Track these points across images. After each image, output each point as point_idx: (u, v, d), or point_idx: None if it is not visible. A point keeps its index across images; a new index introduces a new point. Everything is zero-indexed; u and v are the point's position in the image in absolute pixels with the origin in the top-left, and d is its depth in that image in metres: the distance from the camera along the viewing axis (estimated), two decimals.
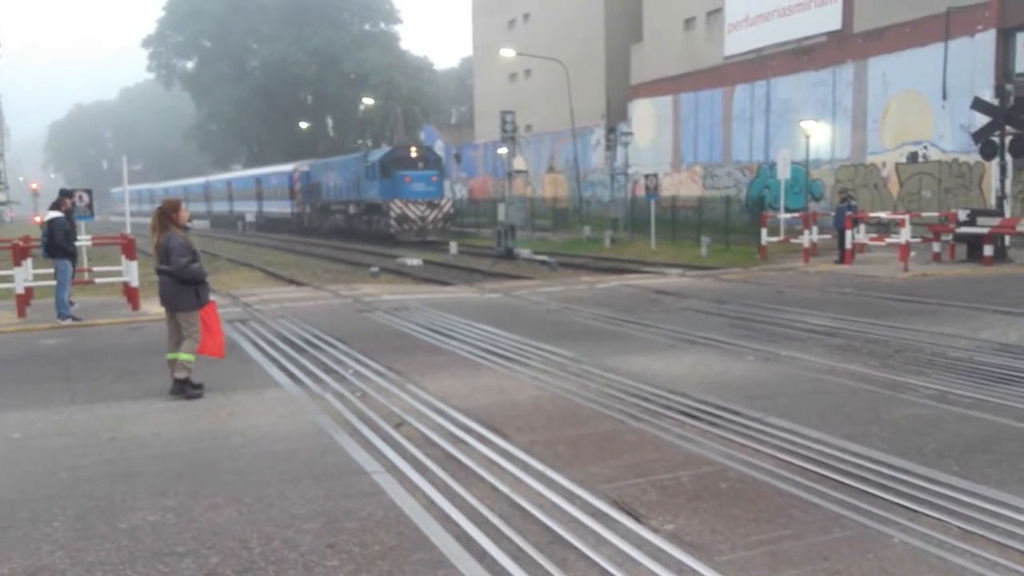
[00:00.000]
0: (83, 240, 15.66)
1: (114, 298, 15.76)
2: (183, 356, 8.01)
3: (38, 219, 20.28)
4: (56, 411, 7.63)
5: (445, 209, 38.60)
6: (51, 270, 13.42)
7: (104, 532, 4.78)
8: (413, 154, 38.93)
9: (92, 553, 4.51)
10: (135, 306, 14.11)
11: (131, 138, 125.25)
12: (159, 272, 8.09)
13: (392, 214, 36.78)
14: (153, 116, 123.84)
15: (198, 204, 69.68)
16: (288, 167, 53.14)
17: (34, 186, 51.98)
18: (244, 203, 60.51)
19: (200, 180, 75.06)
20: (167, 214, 8.09)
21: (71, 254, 13.40)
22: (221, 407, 7.57)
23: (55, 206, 13.68)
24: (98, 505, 5.21)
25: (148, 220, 8.47)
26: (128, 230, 16.35)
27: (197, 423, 7.09)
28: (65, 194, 14.51)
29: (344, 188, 43.03)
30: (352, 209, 41.80)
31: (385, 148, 44.52)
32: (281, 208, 53.34)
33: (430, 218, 37.31)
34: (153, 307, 12.50)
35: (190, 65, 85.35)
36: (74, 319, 13.04)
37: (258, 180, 57.74)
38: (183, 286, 7.99)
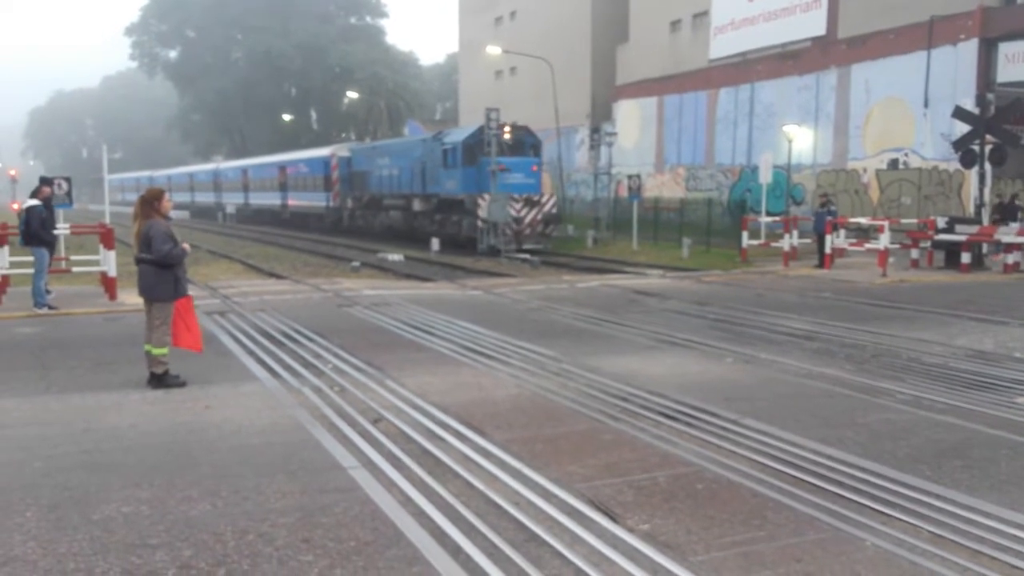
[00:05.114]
0: (62, 228, 15.51)
1: (91, 287, 15.63)
2: (155, 351, 7.96)
3: (16, 206, 20.10)
4: (31, 400, 7.56)
5: (547, 207, 28.74)
6: (28, 258, 13.31)
7: (77, 523, 4.75)
8: (506, 135, 28.79)
9: (64, 544, 4.48)
10: (112, 296, 14.01)
11: (112, 126, 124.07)
12: (139, 261, 8.02)
13: (480, 213, 27.75)
14: (135, 105, 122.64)
15: (205, 194, 63.25)
16: (324, 151, 43.90)
17: (13, 173, 51.39)
18: (263, 194, 52.07)
19: (208, 167, 67.08)
20: (149, 202, 8.02)
21: (49, 243, 13.30)
22: (198, 400, 7.53)
23: (34, 194, 13.62)
24: (72, 496, 5.17)
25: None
26: (108, 220, 16.20)
27: (173, 415, 7.05)
28: (44, 182, 14.41)
29: (404, 178, 34.01)
30: (418, 205, 32.80)
31: (467, 127, 34.22)
32: (312, 201, 43.98)
33: (527, 219, 28.12)
34: (130, 297, 12.41)
35: (173, 54, 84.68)
36: (50, 308, 12.94)
37: (282, 167, 48.40)
38: (162, 275, 7.93)
